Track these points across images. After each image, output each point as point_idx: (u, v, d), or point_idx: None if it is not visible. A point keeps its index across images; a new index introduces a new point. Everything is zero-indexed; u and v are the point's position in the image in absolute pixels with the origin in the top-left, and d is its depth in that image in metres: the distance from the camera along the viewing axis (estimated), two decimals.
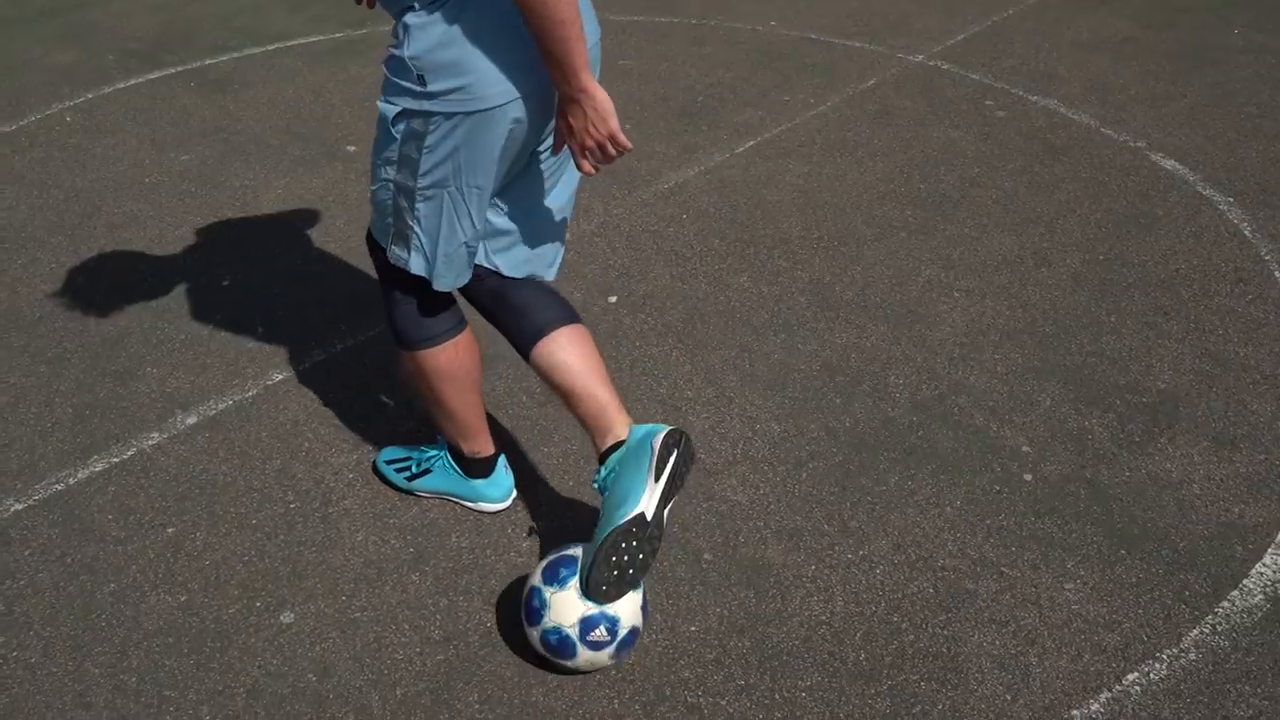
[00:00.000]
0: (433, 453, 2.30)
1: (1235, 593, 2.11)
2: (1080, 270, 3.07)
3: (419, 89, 1.75)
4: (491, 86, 1.72)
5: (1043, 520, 2.28)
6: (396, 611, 2.08)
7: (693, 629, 2.05)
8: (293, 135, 3.81)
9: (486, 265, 2.02)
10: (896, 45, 4.50)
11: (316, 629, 2.04)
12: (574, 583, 1.86)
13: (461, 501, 2.30)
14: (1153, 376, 2.67)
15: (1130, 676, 1.95)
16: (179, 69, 4.31)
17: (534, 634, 1.90)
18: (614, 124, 1.74)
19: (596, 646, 1.85)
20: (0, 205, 3.38)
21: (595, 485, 1.93)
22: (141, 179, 3.54)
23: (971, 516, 2.29)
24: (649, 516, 1.82)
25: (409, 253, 1.92)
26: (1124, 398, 2.61)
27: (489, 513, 2.28)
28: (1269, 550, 2.20)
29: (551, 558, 1.93)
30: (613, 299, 2.97)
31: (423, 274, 1.93)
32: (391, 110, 1.79)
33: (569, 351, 1.96)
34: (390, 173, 1.86)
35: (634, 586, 1.87)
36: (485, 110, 1.77)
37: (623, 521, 1.81)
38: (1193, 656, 1.98)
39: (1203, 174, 3.54)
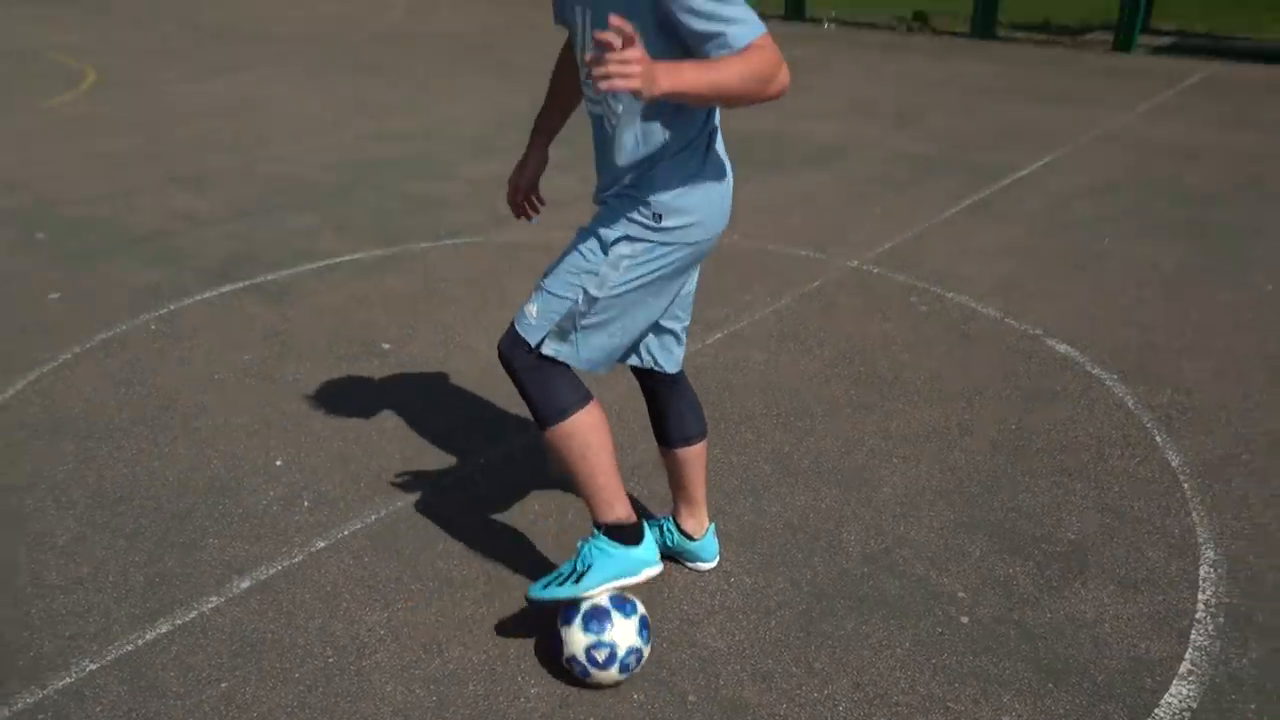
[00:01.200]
0: (584, 552, 2.11)
1: None
2: (996, 438, 3.13)
3: (652, 224, 1.84)
4: (714, 221, 1.85)
5: (980, 658, 2.25)
6: None
7: None
8: (338, 336, 3.90)
9: (650, 364, 2.22)
10: (835, 253, 4.69)
11: None
12: (578, 620, 2.12)
13: (627, 580, 2.10)
14: (1064, 528, 2.69)
15: None
16: (245, 283, 4.44)
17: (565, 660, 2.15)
18: (632, 80, 1.54)
19: (604, 667, 2.10)
20: (94, 401, 3.42)
21: (665, 539, 2.45)
22: (211, 375, 3.60)
23: (919, 656, 2.25)
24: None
25: (562, 344, 1.97)
26: (1041, 547, 2.61)
27: (653, 577, 2.13)
28: (1174, 681, 2.16)
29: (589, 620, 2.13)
30: None
31: (570, 362, 1.98)
32: (611, 236, 1.87)
33: (696, 462, 2.38)
34: (583, 282, 1.91)
35: None
36: (704, 241, 1.86)
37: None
38: None
39: (1091, 356, 3.64)
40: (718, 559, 2.53)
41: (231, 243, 4.94)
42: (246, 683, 2.19)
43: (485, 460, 3.03)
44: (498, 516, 2.76)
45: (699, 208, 1.91)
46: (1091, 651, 2.25)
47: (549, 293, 1.97)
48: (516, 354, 2.01)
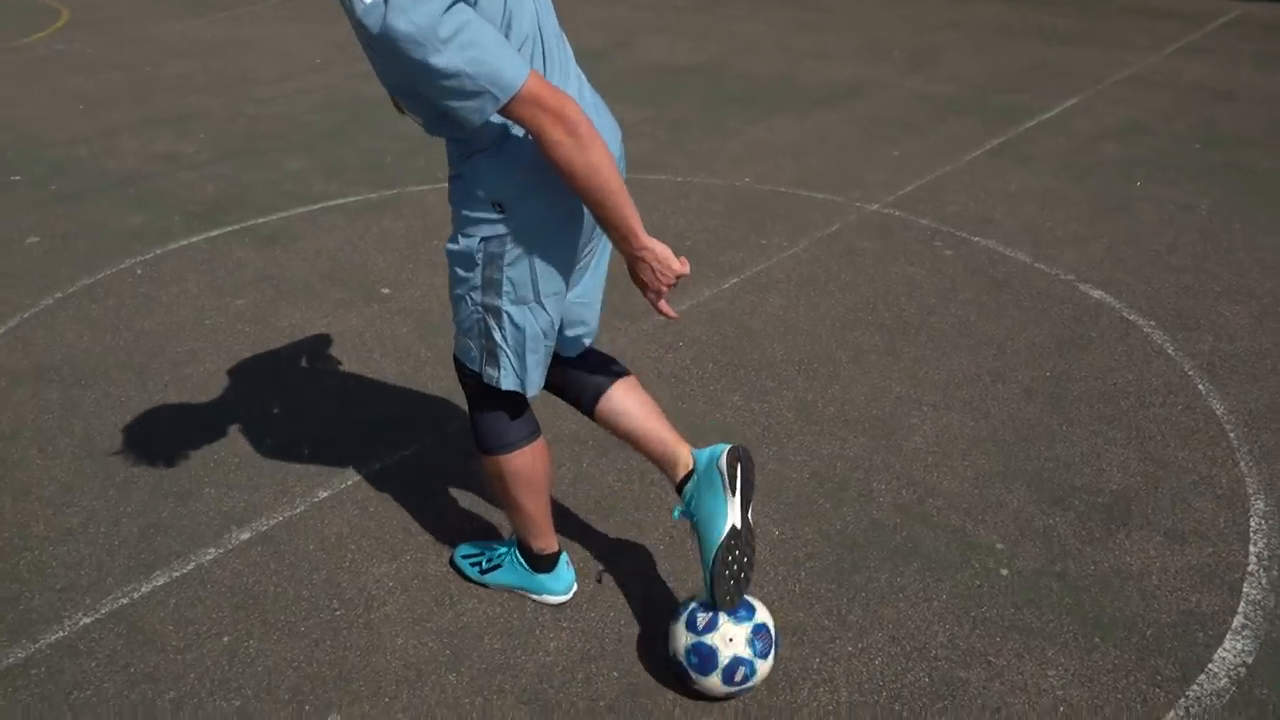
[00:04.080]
0: (502, 549, 2.24)
1: (1202, 677, 2.01)
2: (1031, 385, 3.05)
3: (498, 216, 1.73)
4: (566, 196, 1.68)
5: (1021, 611, 2.19)
6: (435, 711, 1.96)
7: None
8: (334, 281, 3.80)
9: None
10: (854, 196, 4.58)
11: None
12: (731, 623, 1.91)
13: (527, 594, 2.21)
14: (1105, 478, 2.62)
15: None
16: (234, 227, 4.33)
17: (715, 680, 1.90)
18: (677, 266, 1.72)
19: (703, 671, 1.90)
20: (77, 347, 3.32)
21: (677, 515, 1.96)
22: (201, 321, 3.50)
23: (957, 609, 2.20)
24: (739, 526, 1.87)
25: (499, 371, 1.88)
26: (1081, 498, 2.55)
27: (552, 604, 2.20)
28: (1227, 636, 2.11)
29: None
30: None
31: (514, 389, 1.89)
32: (472, 243, 1.77)
33: (626, 401, 2.03)
34: (477, 298, 1.82)
35: (747, 586, 1.91)
36: (563, 217, 1.75)
37: (721, 539, 1.86)
38: None
39: (1126, 302, 3.56)
40: (729, 445, 1.93)
41: (218, 185, 4.81)
42: (250, 636, 2.13)
43: None
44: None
45: (543, 182, 1.68)
46: (1139, 605, 2.20)
47: (458, 321, 1.91)
48: (463, 378, 1.99)
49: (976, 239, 4.10)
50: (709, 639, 1.88)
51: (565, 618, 2.18)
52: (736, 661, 1.87)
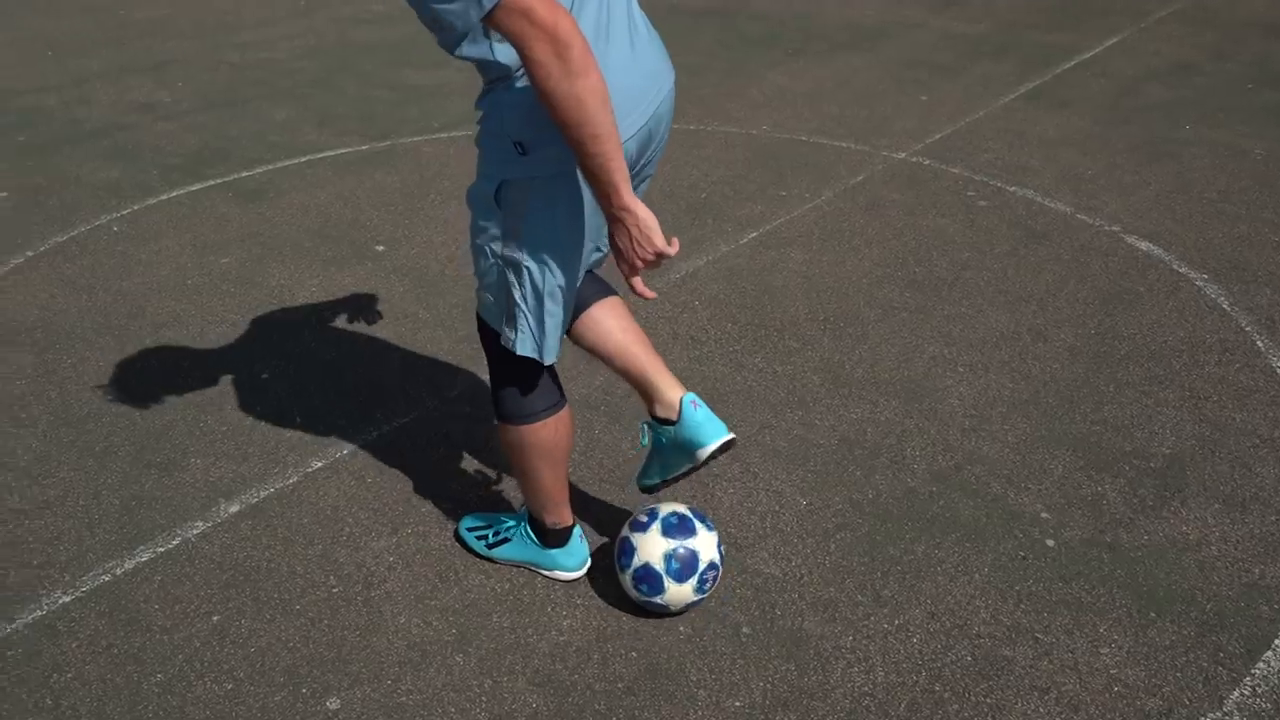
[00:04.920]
0: (510, 522, 2.19)
1: (1269, 654, 1.96)
2: (1075, 344, 2.98)
3: (520, 157, 1.67)
4: None
5: (1070, 585, 2.14)
6: (442, 694, 1.92)
7: (738, 704, 1.89)
8: (324, 237, 3.73)
9: None
10: (880, 144, 4.48)
11: (363, 715, 1.88)
12: (656, 525, 2.00)
13: (538, 570, 2.17)
14: (1157, 442, 2.56)
15: None
16: (217, 181, 4.25)
17: (626, 579, 2.02)
18: (659, 241, 1.62)
19: (680, 578, 1.97)
20: (51, 309, 3.27)
21: (644, 438, 1.94)
22: (184, 281, 3.44)
23: (1000, 583, 2.15)
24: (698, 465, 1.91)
25: (515, 334, 1.83)
26: (1132, 463, 2.49)
27: (564, 580, 2.15)
28: None
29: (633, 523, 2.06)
30: None
31: (530, 355, 1.84)
32: (491, 186, 1.72)
33: (608, 322, 1.96)
34: (497, 248, 1.77)
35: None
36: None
37: (681, 471, 1.93)
38: None
39: (1176, 254, 3.48)
40: (728, 434, 1.89)
41: (199, 136, 4.73)
42: (242, 615, 2.09)
43: None
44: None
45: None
46: (1197, 577, 2.15)
47: (479, 274, 1.86)
48: (486, 339, 1.94)
49: (1013, 189, 4.01)
50: (690, 543, 1.98)
51: (579, 594, 2.13)
52: (710, 566, 1.99)
